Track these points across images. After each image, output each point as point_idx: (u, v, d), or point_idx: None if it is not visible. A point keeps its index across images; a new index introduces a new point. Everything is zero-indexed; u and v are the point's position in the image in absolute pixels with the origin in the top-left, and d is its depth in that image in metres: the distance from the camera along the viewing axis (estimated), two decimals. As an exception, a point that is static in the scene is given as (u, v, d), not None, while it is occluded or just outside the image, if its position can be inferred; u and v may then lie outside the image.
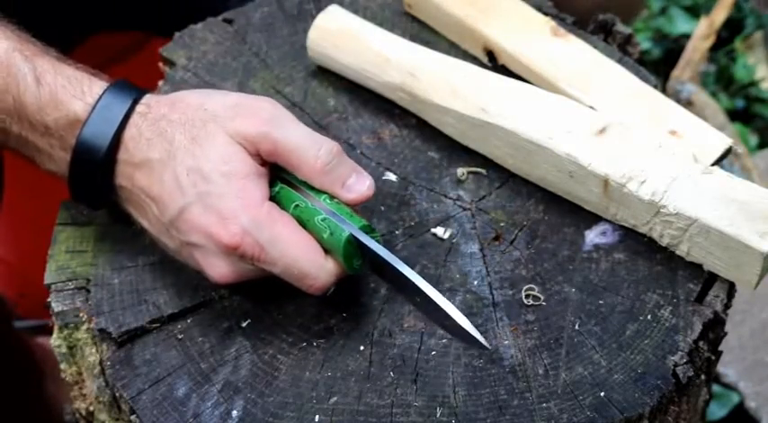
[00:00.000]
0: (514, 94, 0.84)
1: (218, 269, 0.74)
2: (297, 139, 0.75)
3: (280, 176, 0.77)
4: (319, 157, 0.75)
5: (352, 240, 0.74)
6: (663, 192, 0.76)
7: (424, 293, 0.73)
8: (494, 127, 0.82)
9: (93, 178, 0.76)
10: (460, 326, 0.72)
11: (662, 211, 0.76)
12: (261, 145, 0.75)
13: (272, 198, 0.76)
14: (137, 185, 0.76)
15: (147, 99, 0.77)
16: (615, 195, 0.77)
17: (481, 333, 0.74)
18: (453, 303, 0.76)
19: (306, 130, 0.77)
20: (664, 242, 0.77)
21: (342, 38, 0.90)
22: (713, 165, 0.79)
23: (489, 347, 0.73)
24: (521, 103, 0.83)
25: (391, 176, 0.86)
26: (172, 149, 0.75)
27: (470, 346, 0.74)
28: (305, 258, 0.73)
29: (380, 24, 0.96)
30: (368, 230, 0.75)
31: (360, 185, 0.76)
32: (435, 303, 0.73)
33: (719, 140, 0.81)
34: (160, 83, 0.94)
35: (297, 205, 0.75)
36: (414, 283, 0.73)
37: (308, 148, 0.75)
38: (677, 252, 0.76)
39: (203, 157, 0.74)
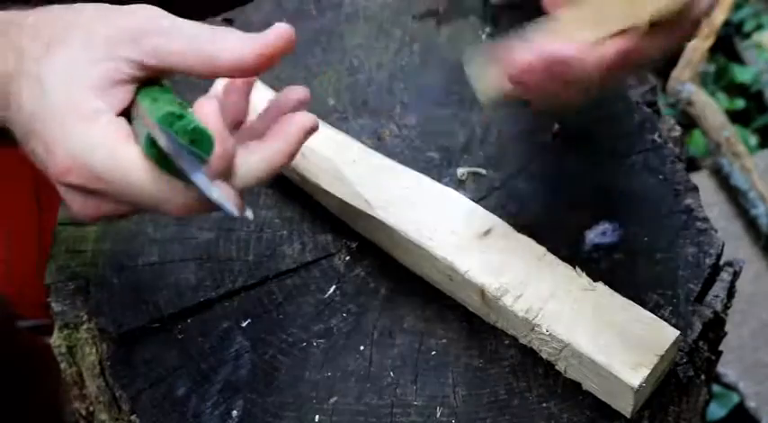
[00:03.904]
0: (402, 184, 0.80)
1: (74, 203, 0.66)
2: (188, 28, 0.65)
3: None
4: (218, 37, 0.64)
5: (154, 140, 0.61)
6: (538, 309, 0.73)
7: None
8: (375, 220, 0.78)
9: None
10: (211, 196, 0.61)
11: (536, 329, 0.73)
12: (140, 43, 0.64)
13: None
14: None
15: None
16: (493, 305, 0.75)
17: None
18: (453, 303, 0.76)
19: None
20: (543, 356, 0.74)
21: None
22: None
23: (236, 214, 0.62)
24: (407, 195, 0.79)
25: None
26: (21, 59, 0.65)
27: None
28: (148, 187, 0.63)
29: (381, 25, 0.97)
30: (172, 120, 0.60)
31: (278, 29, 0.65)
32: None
33: None
34: (160, 83, 0.94)
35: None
36: (189, 175, 0.61)
37: (204, 33, 0.65)
38: (556, 367, 0.74)
39: (49, 66, 0.64)
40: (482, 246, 0.76)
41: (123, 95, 0.65)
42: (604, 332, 0.71)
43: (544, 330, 0.72)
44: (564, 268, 0.75)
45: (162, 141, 0.60)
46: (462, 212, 0.78)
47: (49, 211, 0.86)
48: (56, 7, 0.68)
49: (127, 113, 0.65)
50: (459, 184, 0.85)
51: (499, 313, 0.75)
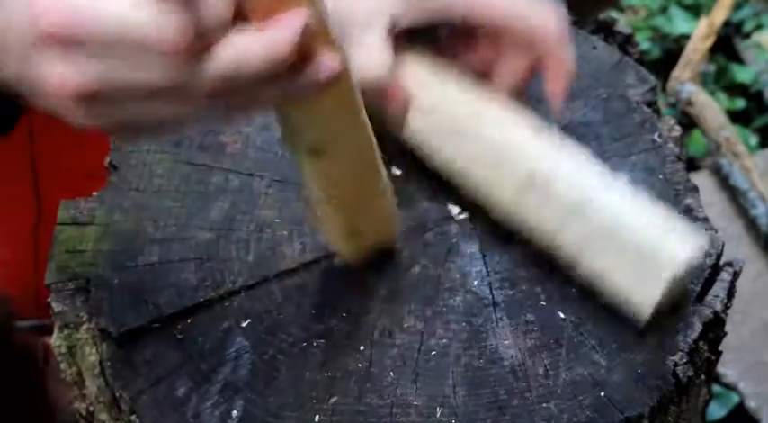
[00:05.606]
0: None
1: (53, 72, 0.60)
2: None
3: None
4: None
5: None
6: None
7: None
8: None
9: None
10: None
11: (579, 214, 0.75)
12: None
13: None
14: None
15: None
16: (537, 192, 0.77)
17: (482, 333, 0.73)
18: (453, 303, 0.76)
19: None
20: (563, 259, 0.77)
21: None
22: None
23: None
24: None
25: (397, 171, 0.86)
26: None
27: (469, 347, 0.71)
28: (134, 17, 0.57)
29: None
30: None
31: None
32: None
33: None
34: (160, 83, 0.94)
35: None
36: None
37: None
38: (576, 271, 0.76)
39: None
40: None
41: None
42: (650, 212, 0.74)
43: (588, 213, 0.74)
44: None
45: None
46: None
47: (49, 212, 0.86)
48: None
49: None
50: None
51: (539, 203, 0.76)
